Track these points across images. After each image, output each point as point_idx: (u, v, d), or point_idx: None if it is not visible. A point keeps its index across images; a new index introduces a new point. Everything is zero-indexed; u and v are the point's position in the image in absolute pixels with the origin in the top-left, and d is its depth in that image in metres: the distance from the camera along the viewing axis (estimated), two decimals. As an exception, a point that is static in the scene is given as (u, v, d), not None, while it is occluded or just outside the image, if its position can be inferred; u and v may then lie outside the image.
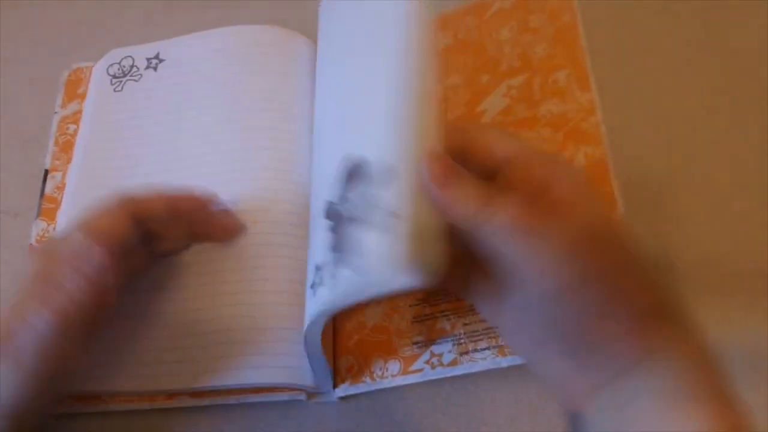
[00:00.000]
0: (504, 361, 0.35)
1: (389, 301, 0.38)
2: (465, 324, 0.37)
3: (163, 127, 0.42)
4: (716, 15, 0.48)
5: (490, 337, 0.36)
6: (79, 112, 0.45)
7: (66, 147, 0.44)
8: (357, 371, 0.37)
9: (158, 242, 0.34)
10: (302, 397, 0.36)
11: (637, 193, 0.43)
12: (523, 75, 0.42)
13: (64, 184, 0.42)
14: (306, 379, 0.35)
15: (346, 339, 0.38)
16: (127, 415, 0.36)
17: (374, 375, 0.36)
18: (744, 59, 0.48)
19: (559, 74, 0.41)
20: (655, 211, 0.43)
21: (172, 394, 0.37)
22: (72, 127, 0.44)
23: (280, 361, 0.35)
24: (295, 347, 0.34)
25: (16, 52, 0.48)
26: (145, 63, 0.45)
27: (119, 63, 0.45)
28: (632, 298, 0.24)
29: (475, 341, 0.36)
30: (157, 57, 0.45)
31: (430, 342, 0.37)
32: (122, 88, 0.44)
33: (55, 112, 0.43)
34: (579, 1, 0.43)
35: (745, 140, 0.45)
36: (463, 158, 0.27)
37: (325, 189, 0.30)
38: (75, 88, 0.46)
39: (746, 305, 0.40)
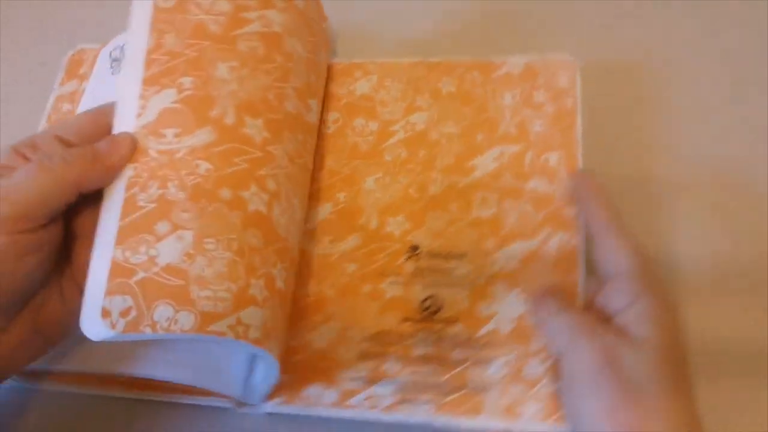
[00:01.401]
0: (440, 420, 0.35)
1: (340, 329, 0.38)
2: (413, 372, 0.36)
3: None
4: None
5: (435, 393, 0.35)
6: (75, 92, 0.45)
7: (57, 125, 0.44)
8: (292, 391, 0.36)
9: None
10: (230, 405, 0.36)
11: (637, 193, 0.43)
12: (518, 145, 0.41)
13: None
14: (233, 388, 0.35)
15: (289, 355, 0.37)
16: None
17: (310, 399, 0.36)
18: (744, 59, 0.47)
19: (551, 155, 0.41)
20: (655, 211, 0.42)
21: (104, 380, 0.37)
22: (66, 106, 0.45)
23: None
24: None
25: (19, 45, 0.48)
26: None
27: (121, 47, 0.44)
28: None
29: (418, 392, 0.36)
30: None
31: (372, 381, 0.36)
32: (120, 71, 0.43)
33: (53, 89, 0.43)
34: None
35: (744, 140, 0.44)
36: None
37: None
38: (76, 68, 0.46)
39: (746, 305, 0.39)
